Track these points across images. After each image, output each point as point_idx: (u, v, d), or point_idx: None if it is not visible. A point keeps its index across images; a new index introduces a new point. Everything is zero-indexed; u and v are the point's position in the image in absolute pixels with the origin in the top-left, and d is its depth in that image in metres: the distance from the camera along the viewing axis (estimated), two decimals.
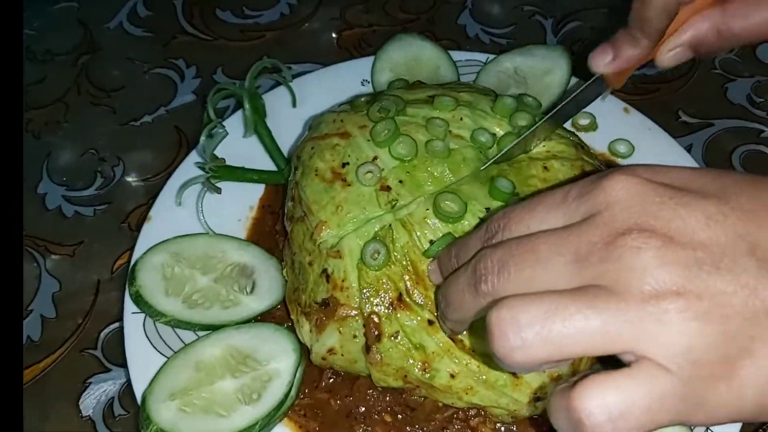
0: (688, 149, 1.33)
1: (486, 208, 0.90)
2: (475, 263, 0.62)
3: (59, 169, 1.36)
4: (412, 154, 0.94)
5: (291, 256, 1.01)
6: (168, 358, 1.01)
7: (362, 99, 1.05)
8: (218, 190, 1.13)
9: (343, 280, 0.91)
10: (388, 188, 0.93)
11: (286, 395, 0.99)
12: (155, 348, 1.03)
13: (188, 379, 0.99)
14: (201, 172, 1.15)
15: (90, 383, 1.11)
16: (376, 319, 0.89)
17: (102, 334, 1.16)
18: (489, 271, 0.60)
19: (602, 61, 0.91)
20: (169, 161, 1.35)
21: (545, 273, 0.55)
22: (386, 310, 0.89)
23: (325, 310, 0.92)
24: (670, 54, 0.87)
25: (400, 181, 0.93)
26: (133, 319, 1.06)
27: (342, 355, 0.93)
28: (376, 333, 0.89)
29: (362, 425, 0.99)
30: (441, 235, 0.89)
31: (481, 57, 1.36)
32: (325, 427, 0.99)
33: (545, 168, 0.95)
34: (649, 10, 0.82)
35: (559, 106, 0.97)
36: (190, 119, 1.41)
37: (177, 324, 1.05)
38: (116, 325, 1.16)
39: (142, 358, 1.02)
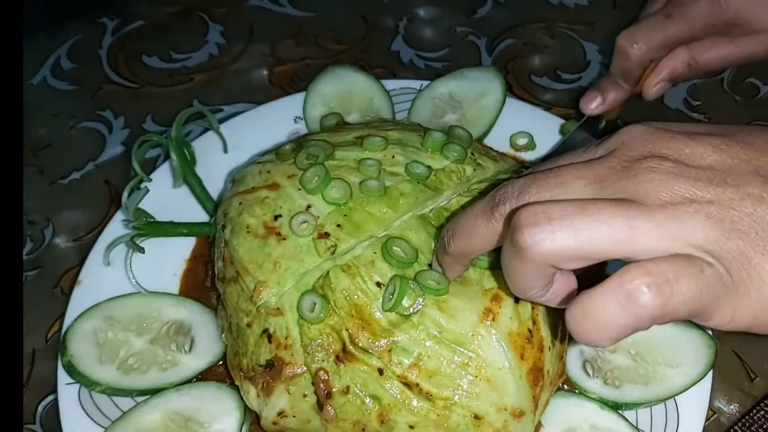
0: None
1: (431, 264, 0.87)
2: (494, 192, 0.66)
3: None
4: (347, 196, 0.91)
5: (227, 318, 0.96)
6: (105, 428, 0.96)
7: (287, 147, 1.02)
8: (141, 250, 1.09)
9: (286, 338, 0.87)
10: (327, 234, 0.89)
11: None
12: (92, 419, 0.98)
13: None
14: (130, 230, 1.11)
15: None
16: (324, 376, 0.85)
17: (40, 407, 1.09)
18: (509, 196, 0.64)
19: (592, 105, 1.17)
20: (99, 219, 1.30)
21: (565, 193, 0.60)
22: (333, 365, 0.85)
23: (271, 372, 0.88)
24: (655, 89, 1.12)
25: (338, 225, 0.90)
26: (67, 390, 1.00)
27: (294, 416, 0.89)
28: (326, 391, 0.85)
29: None
30: (389, 277, 0.86)
31: (416, 84, 1.34)
32: None
33: None
34: (628, 64, 1.07)
35: (556, 146, 1.05)
36: (120, 172, 1.36)
37: (113, 392, 1.00)
38: (54, 396, 1.10)
39: (79, 431, 0.97)
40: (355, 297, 0.85)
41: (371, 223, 0.90)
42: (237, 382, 0.93)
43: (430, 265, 0.87)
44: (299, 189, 0.93)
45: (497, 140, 1.26)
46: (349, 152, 0.97)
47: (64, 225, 1.30)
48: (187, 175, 1.15)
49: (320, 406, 0.86)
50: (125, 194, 1.07)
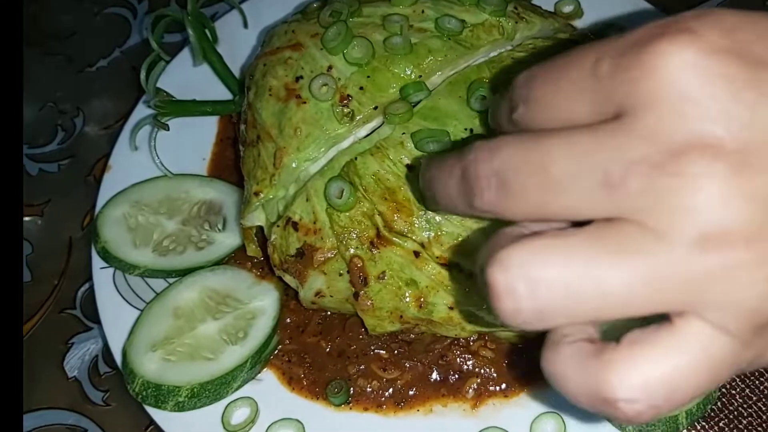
0: None
1: (469, 129, 0.80)
2: (467, 163, 0.45)
3: None
4: (369, 55, 0.84)
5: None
6: (141, 310, 0.96)
7: (314, 5, 0.95)
8: (166, 127, 1.05)
9: (314, 222, 0.83)
10: (348, 98, 0.83)
11: (274, 329, 0.93)
12: (128, 302, 0.98)
13: (168, 328, 0.95)
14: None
15: (72, 344, 1.07)
16: (358, 263, 0.81)
17: (79, 293, 1.11)
18: (485, 186, 0.44)
19: None
20: (129, 105, 1.26)
21: (559, 199, 0.40)
22: (367, 251, 0.81)
23: (302, 260, 0.85)
24: None
25: (361, 88, 0.83)
26: (102, 275, 1.00)
27: (331, 296, 0.86)
28: (362, 277, 0.82)
29: (356, 364, 0.93)
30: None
31: None
32: (312, 370, 0.94)
33: None
34: None
35: None
36: (146, 57, 1.32)
37: (151, 274, 0.99)
38: (92, 282, 1.11)
39: (116, 314, 0.98)
40: (387, 180, 0.80)
41: (396, 84, 0.84)
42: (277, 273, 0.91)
43: (464, 140, 0.81)
44: (321, 49, 0.87)
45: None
46: (377, 8, 0.89)
47: (94, 113, 1.28)
48: (207, 52, 1.09)
49: (356, 295, 0.83)
50: (143, 72, 1.03)
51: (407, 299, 0.82)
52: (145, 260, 0.99)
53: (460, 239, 0.80)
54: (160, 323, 0.94)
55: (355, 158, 0.81)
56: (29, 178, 1.22)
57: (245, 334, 0.93)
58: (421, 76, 0.84)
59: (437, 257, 0.80)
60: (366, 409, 0.91)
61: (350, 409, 0.91)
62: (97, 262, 1.01)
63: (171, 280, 0.99)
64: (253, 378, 0.93)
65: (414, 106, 0.82)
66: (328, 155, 0.85)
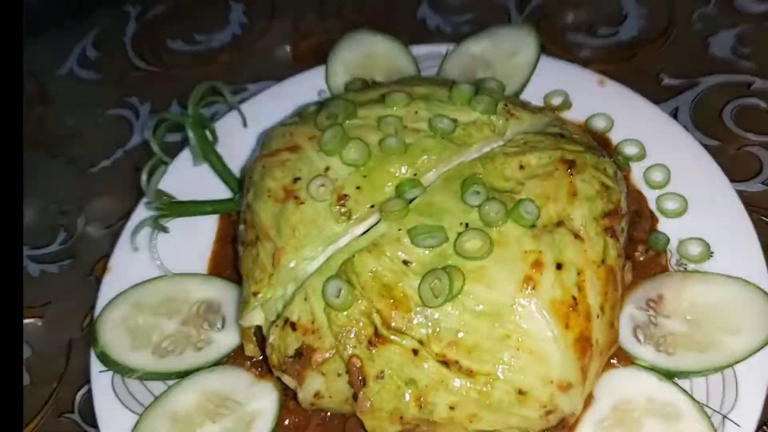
0: (674, 113, 1.25)
1: (464, 223, 0.82)
2: None
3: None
4: (365, 156, 0.87)
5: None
6: (140, 414, 0.95)
7: (312, 108, 0.99)
8: (165, 230, 1.07)
9: (312, 322, 0.83)
10: (345, 197, 0.85)
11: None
12: (126, 407, 0.97)
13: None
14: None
15: None
16: (357, 363, 0.81)
17: (78, 396, 1.09)
18: None
19: None
20: (130, 205, 1.28)
21: None
22: (366, 350, 0.81)
23: (301, 361, 0.84)
24: None
25: (357, 188, 0.86)
26: (101, 379, 1.00)
27: (330, 396, 0.86)
28: (361, 378, 0.81)
29: None
30: (417, 254, 0.81)
31: (442, 49, 1.28)
32: None
33: (521, 167, 0.88)
34: None
35: None
36: (148, 158, 1.34)
37: (149, 377, 0.98)
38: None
39: (114, 419, 0.96)
40: (384, 277, 0.81)
41: (392, 183, 0.86)
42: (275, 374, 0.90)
43: (464, 225, 0.82)
44: (318, 151, 0.89)
45: (531, 100, 1.19)
46: (371, 110, 0.93)
47: (96, 213, 1.30)
48: (207, 153, 1.12)
49: (355, 396, 0.82)
50: (144, 175, 1.05)
51: (407, 399, 0.81)
52: (144, 363, 0.98)
53: (459, 335, 0.79)
54: (159, 429, 0.93)
55: (353, 256, 0.82)
56: (30, 280, 1.23)
57: None
58: (416, 174, 0.86)
59: (437, 354, 0.80)
60: None
61: None
62: (96, 365, 1.00)
63: (170, 382, 0.97)
64: None
65: (410, 203, 0.84)
66: (326, 253, 0.86)
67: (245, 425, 0.93)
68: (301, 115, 0.99)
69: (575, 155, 0.89)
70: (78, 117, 1.45)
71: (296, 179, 0.89)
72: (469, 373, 0.80)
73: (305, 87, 1.26)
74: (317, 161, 0.89)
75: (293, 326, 0.84)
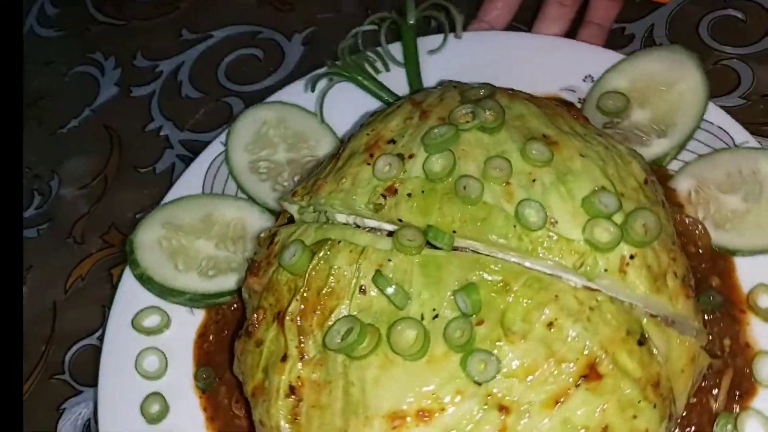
0: (650, 30, 1.23)
1: (433, 311, 0.72)
2: None
3: None
4: (443, 175, 0.77)
5: None
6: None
7: (481, 91, 0.86)
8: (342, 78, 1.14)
9: (273, 253, 0.83)
10: (393, 193, 0.78)
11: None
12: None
13: (189, 221, 1.02)
14: None
15: (64, 409, 1.05)
16: (256, 318, 0.82)
17: (67, 357, 1.09)
18: None
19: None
20: (102, 163, 1.27)
21: None
22: (265, 316, 0.81)
23: (249, 269, 0.86)
24: None
25: (409, 194, 0.78)
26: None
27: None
28: (246, 329, 0.82)
29: None
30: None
31: None
32: None
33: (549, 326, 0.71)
34: None
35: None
36: (117, 113, 1.32)
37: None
38: (80, 345, 1.10)
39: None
40: (336, 281, 0.76)
41: (436, 219, 0.77)
42: None
43: (432, 312, 0.72)
44: (421, 134, 0.82)
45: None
46: (510, 135, 0.80)
47: (70, 174, 1.28)
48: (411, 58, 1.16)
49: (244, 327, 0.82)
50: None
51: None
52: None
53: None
54: (189, 213, 1.03)
55: (339, 242, 0.77)
56: None
57: (213, 275, 1.00)
58: (455, 232, 0.76)
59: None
60: None
61: None
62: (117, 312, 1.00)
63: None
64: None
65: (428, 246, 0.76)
66: (350, 219, 0.84)
67: (227, 267, 1.01)
68: (465, 86, 0.90)
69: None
70: (42, 77, 1.41)
71: (391, 141, 0.84)
72: None
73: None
74: (415, 140, 0.82)
75: (269, 242, 0.85)
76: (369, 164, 0.82)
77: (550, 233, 0.74)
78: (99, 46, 1.43)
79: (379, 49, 1.17)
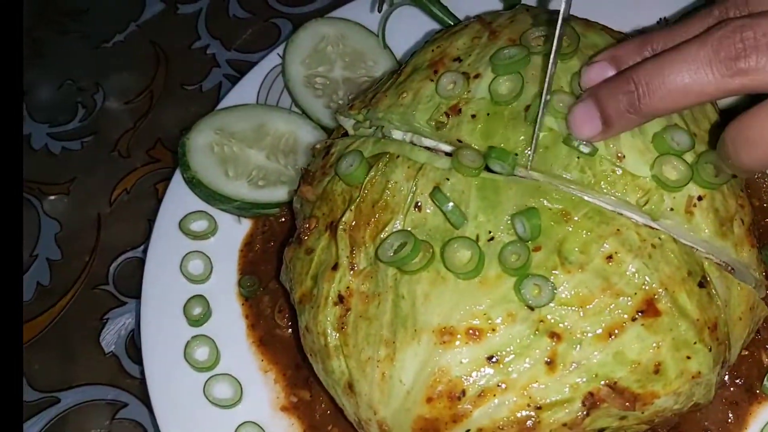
0: None
1: (489, 234, 0.71)
2: (723, 34, 0.54)
3: (39, 106, 1.28)
4: (510, 98, 0.74)
5: None
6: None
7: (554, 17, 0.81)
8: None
9: (329, 164, 0.83)
10: (457, 112, 0.76)
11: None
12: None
13: (242, 129, 1.01)
14: None
15: (107, 319, 1.07)
16: (309, 225, 0.82)
17: (111, 269, 1.10)
18: (753, 44, 0.52)
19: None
20: (148, 79, 1.26)
21: None
22: (317, 225, 0.81)
23: (303, 178, 0.86)
24: None
25: (473, 116, 0.75)
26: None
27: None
28: (297, 236, 0.82)
29: None
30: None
31: None
32: None
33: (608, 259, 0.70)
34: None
35: None
36: (163, 30, 1.30)
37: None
38: (124, 257, 1.11)
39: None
40: (391, 196, 0.76)
41: (501, 141, 0.74)
42: None
43: (488, 234, 0.71)
44: (491, 57, 0.79)
45: None
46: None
47: (114, 88, 1.27)
48: None
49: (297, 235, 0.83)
50: None
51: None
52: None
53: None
54: (243, 122, 1.02)
55: (397, 157, 0.76)
56: (52, 157, 1.22)
57: (264, 185, 1.00)
58: (516, 155, 0.73)
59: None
60: None
61: None
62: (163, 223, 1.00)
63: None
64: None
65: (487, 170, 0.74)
66: (406, 137, 0.82)
67: (277, 179, 1.01)
68: (549, 12, 0.87)
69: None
70: None
71: (456, 59, 0.81)
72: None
73: None
74: (482, 60, 0.79)
75: (325, 152, 0.84)
76: (432, 80, 0.80)
77: (616, 167, 0.71)
78: None
79: None
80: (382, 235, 0.73)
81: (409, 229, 0.73)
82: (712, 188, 0.72)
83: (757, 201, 0.93)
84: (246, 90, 1.09)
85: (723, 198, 0.73)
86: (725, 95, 0.56)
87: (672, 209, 0.71)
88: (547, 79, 0.70)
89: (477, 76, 0.78)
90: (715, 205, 0.72)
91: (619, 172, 0.72)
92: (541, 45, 0.77)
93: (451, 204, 0.71)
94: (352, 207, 0.75)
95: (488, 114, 0.75)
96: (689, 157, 0.72)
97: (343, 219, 0.75)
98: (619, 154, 0.72)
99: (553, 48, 0.69)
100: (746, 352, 0.84)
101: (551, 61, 0.70)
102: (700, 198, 0.72)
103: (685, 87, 0.57)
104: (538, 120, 0.72)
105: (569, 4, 0.65)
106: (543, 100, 0.71)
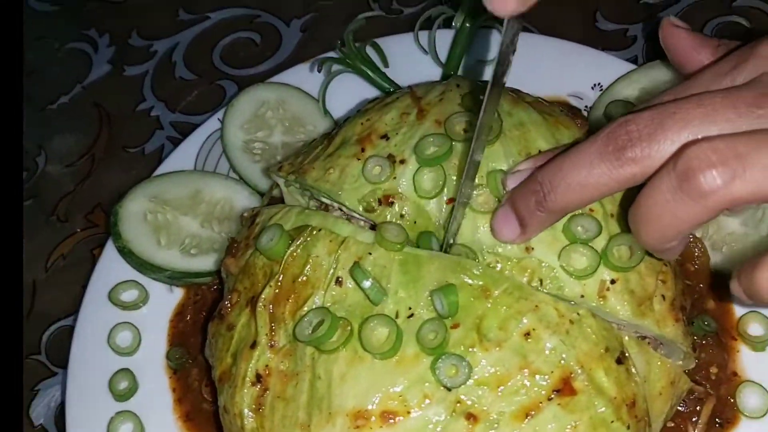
0: (654, 33, 1.20)
1: (409, 310, 0.70)
2: (609, 133, 0.57)
3: None
4: (431, 195, 0.77)
5: None
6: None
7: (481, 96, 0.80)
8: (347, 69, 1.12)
9: (252, 234, 0.83)
10: (390, 203, 0.78)
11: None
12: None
13: (178, 196, 1.00)
14: None
15: (38, 390, 1.04)
16: (229, 296, 0.82)
17: (44, 338, 1.08)
18: (637, 137, 0.56)
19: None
20: (90, 141, 1.25)
21: (715, 126, 0.53)
22: (243, 309, 0.80)
23: (228, 250, 0.86)
24: None
25: (402, 216, 0.78)
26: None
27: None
28: (220, 311, 0.82)
29: None
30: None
31: None
32: None
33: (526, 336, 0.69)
34: None
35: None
36: (108, 92, 1.30)
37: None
38: (57, 326, 1.08)
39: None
40: (312, 270, 0.76)
41: (428, 226, 0.79)
42: None
43: (408, 311, 0.71)
44: (416, 139, 0.80)
45: None
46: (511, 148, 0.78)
47: (57, 151, 1.26)
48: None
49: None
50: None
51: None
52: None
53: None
54: (177, 188, 1.02)
55: (320, 230, 0.76)
56: None
57: (195, 254, 0.99)
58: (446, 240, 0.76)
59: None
60: None
61: None
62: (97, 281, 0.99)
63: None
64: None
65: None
66: (333, 204, 0.83)
67: (210, 247, 0.99)
68: (462, 89, 0.87)
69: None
70: (35, 52, 1.38)
71: (383, 136, 0.81)
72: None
73: None
74: (404, 142, 0.80)
75: (251, 222, 0.84)
76: (359, 159, 0.81)
77: (523, 257, 0.73)
78: (94, 23, 1.40)
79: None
80: (302, 312, 0.72)
81: (328, 305, 0.72)
82: (624, 270, 0.72)
83: (691, 265, 0.94)
84: (185, 154, 1.09)
85: (639, 277, 0.74)
86: (620, 186, 0.58)
87: (583, 296, 0.72)
88: (462, 181, 0.73)
89: (402, 161, 0.79)
90: (630, 287, 0.73)
91: (533, 260, 0.73)
92: (463, 133, 0.79)
93: (369, 281, 0.71)
94: (272, 282, 0.75)
95: (416, 222, 0.78)
96: (602, 241, 0.72)
97: (263, 295, 0.75)
98: (528, 247, 0.73)
99: (469, 158, 0.71)
100: (672, 425, 0.83)
101: (466, 168, 0.72)
102: (613, 281, 0.73)
103: (581, 181, 0.59)
104: (454, 212, 0.75)
105: (496, 94, 0.66)
106: (459, 193, 0.74)
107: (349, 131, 0.85)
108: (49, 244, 1.16)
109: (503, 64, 0.62)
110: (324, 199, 0.84)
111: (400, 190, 0.79)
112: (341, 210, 0.84)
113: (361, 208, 0.79)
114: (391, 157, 0.79)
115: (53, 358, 1.06)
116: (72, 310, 1.08)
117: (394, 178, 0.78)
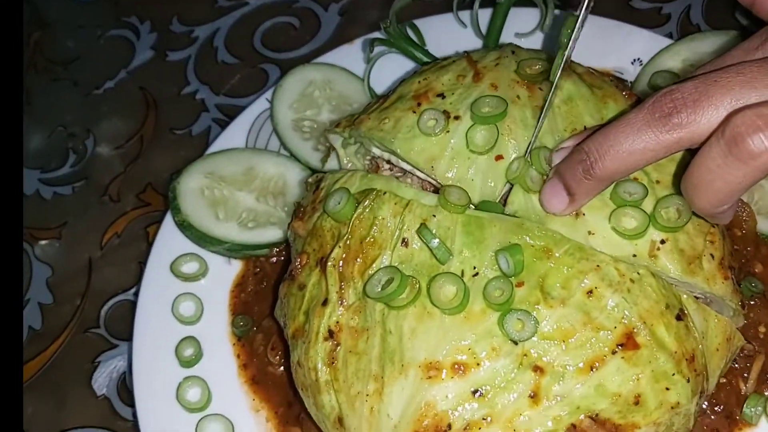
0: (687, 11, 1.23)
1: (473, 269, 0.73)
2: (656, 102, 0.61)
3: (31, 152, 1.30)
4: (481, 151, 0.81)
5: None
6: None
7: (537, 65, 0.86)
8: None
9: (318, 198, 0.86)
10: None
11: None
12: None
13: (232, 173, 1.04)
14: None
15: (99, 362, 1.07)
16: (300, 261, 0.85)
17: (102, 312, 1.11)
18: (683, 104, 0.59)
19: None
20: (138, 124, 1.29)
21: (757, 93, 0.57)
22: (307, 261, 0.84)
23: (295, 213, 0.90)
24: None
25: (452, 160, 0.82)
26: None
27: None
28: (290, 273, 0.85)
29: None
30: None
31: None
32: None
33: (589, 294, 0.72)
34: None
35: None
36: (152, 77, 1.34)
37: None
38: (115, 300, 1.12)
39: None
40: (379, 231, 0.79)
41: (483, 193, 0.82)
42: None
43: (472, 270, 0.74)
44: (476, 99, 0.84)
45: None
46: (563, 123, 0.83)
47: (105, 134, 1.29)
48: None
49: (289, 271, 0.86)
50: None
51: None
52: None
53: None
54: (232, 166, 1.05)
55: (384, 193, 0.79)
56: (44, 202, 1.24)
57: (254, 226, 1.02)
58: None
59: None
60: None
61: None
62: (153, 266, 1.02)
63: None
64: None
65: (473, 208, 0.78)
66: (384, 155, 0.87)
67: (267, 220, 1.03)
68: (537, 52, 0.91)
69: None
70: (78, 39, 1.42)
71: (440, 95, 0.86)
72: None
73: None
74: (460, 100, 0.84)
75: (315, 187, 0.87)
76: (414, 112, 0.84)
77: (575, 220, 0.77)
78: (135, 10, 1.44)
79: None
80: (370, 271, 0.76)
81: (396, 264, 0.75)
82: (673, 231, 0.75)
83: (738, 231, 0.97)
84: (235, 134, 1.12)
85: (688, 237, 0.77)
86: (667, 151, 0.62)
87: (635, 255, 0.75)
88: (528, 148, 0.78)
89: (457, 117, 0.82)
90: (679, 246, 0.76)
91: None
92: (519, 99, 0.82)
93: (437, 240, 0.74)
94: (341, 243, 0.78)
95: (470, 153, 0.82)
96: (649, 204, 0.76)
97: (333, 255, 0.78)
98: (579, 213, 0.77)
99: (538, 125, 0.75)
100: (724, 380, 0.86)
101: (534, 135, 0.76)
102: (663, 242, 0.75)
103: (629, 148, 0.63)
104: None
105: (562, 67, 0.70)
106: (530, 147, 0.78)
107: (406, 89, 0.89)
108: (103, 223, 1.19)
109: (575, 40, 0.66)
110: (375, 150, 0.87)
111: (452, 142, 0.82)
112: (390, 164, 0.88)
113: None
114: (446, 113, 0.83)
115: (112, 330, 1.10)
116: (128, 286, 1.12)
117: (447, 131, 0.82)
